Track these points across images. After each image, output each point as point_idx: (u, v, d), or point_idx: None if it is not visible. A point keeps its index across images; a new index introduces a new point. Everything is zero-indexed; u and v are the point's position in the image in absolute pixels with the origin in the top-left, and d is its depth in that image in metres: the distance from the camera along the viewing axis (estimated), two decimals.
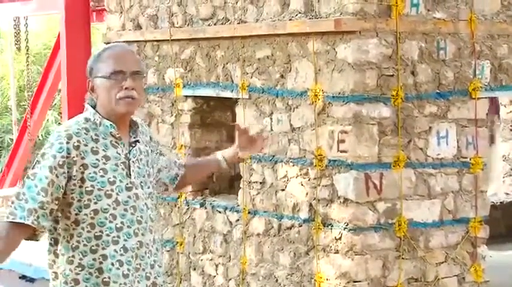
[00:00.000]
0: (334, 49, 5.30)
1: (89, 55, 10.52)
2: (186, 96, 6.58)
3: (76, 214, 3.01)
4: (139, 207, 3.10)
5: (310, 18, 5.46)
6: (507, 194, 9.11)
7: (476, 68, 5.63)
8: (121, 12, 7.26)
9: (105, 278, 3.03)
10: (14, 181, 11.65)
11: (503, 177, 9.20)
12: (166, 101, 6.78)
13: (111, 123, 3.08)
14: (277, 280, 5.78)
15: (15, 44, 11.56)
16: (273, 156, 5.77)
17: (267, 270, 5.85)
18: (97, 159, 3.03)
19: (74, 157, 3.00)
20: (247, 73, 5.95)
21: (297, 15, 5.56)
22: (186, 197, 6.56)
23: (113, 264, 3.03)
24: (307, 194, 5.52)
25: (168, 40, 6.58)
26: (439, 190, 5.50)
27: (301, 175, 5.56)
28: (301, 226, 5.58)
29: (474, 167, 5.62)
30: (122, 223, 3.05)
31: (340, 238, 5.30)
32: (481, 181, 5.66)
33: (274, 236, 5.80)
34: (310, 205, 5.50)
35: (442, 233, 5.52)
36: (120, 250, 3.04)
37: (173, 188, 3.46)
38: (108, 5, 7.44)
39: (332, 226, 5.34)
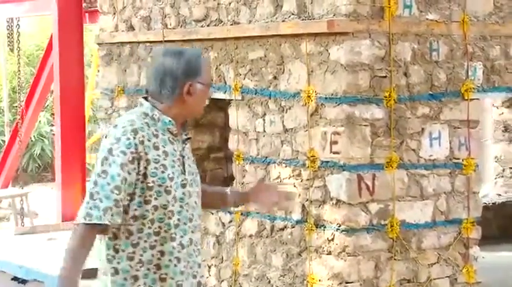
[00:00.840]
0: (327, 50, 5.30)
1: (82, 56, 10.54)
2: None
3: (135, 210, 3.00)
4: (191, 204, 3.13)
5: (303, 20, 5.47)
6: (499, 195, 9.13)
7: (469, 70, 5.64)
8: (114, 14, 7.26)
9: (162, 274, 3.03)
10: (6, 182, 11.62)
11: (495, 178, 9.23)
12: None
13: (170, 119, 3.09)
14: (269, 281, 5.78)
15: (8, 45, 11.54)
16: (266, 157, 5.77)
17: (260, 271, 5.85)
18: (158, 155, 3.03)
19: (140, 152, 3.00)
20: (240, 74, 5.96)
21: (289, 16, 5.56)
22: None
23: (170, 260, 3.04)
24: (299, 195, 5.52)
25: (161, 41, 6.57)
26: (431, 191, 5.51)
27: (293, 176, 5.56)
28: (293, 227, 5.59)
29: (466, 168, 5.63)
30: (178, 219, 3.06)
31: (332, 239, 5.30)
32: (473, 182, 5.68)
33: (266, 237, 5.80)
34: (303, 206, 5.50)
35: (435, 234, 5.53)
36: (178, 247, 3.05)
37: None
38: (101, 6, 7.43)
39: (324, 227, 5.34)
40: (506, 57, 5.82)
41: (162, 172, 3.02)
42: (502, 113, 9.06)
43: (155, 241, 3.02)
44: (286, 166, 5.61)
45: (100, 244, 3.09)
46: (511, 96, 6.19)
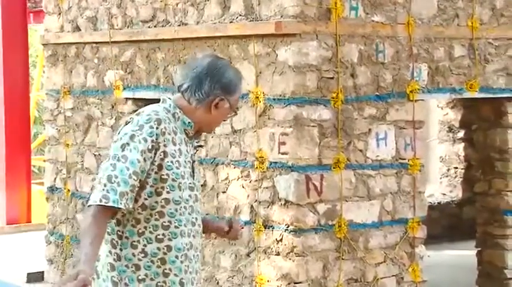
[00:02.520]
0: (275, 52, 5.32)
1: (27, 57, 10.40)
2: (127, 99, 6.54)
3: (145, 199, 2.99)
4: (195, 209, 3.11)
5: (250, 21, 5.48)
6: (444, 194, 9.27)
7: (414, 71, 5.72)
8: (59, 14, 7.17)
9: (166, 269, 3.01)
10: None
11: (440, 178, 9.37)
12: (106, 103, 6.72)
13: (190, 121, 3.09)
14: (218, 283, 5.77)
15: None
16: (214, 158, 5.77)
17: (208, 273, 5.84)
18: (175, 150, 3.03)
19: (160, 143, 2.99)
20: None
21: (237, 17, 5.57)
22: None
23: (177, 257, 3.02)
24: (248, 196, 5.53)
25: (107, 42, 6.52)
26: (378, 191, 5.57)
27: (242, 177, 5.57)
28: (242, 228, 5.58)
29: (412, 168, 5.70)
30: (182, 219, 3.05)
31: (281, 240, 5.32)
32: (418, 182, 5.75)
33: (215, 238, 5.79)
34: (252, 207, 5.51)
35: (381, 233, 5.59)
36: (186, 245, 3.04)
37: None
38: (45, 7, 7.34)
39: (273, 227, 5.36)
40: (450, 59, 5.92)
41: (177, 168, 3.02)
42: (447, 114, 9.20)
43: (163, 234, 3.00)
44: (234, 167, 5.61)
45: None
46: (455, 97, 6.28)
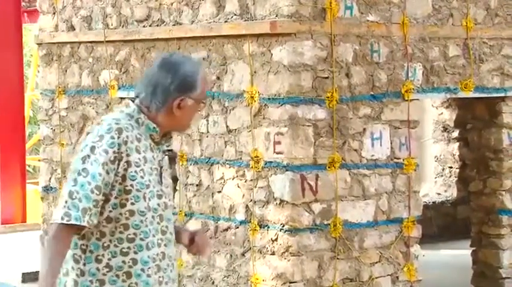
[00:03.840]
0: (270, 51, 5.32)
1: (21, 56, 10.38)
2: (122, 98, 6.53)
3: (110, 211, 2.89)
4: (166, 217, 3.00)
5: (245, 21, 5.48)
6: (439, 194, 9.29)
7: (409, 71, 5.72)
8: (54, 13, 7.16)
9: (131, 283, 2.91)
10: None
11: (435, 177, 9.38)
12: (101, 103, 6.71)
13: (155, 126, 2.98)
14: (213, 282, 5.77)
15: None
16: (209, 158, 5.77)
17: (204, 272, 5.84)
18: (139, 158, 2.92)
19: (122, 153, 2.88)
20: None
21: (232, 17, 5.57)
22: None
23: (143, 270, 2.91)
24: (243, 195, 5.53)
25: (102, 42, 6.51)
26: (373, 190, 5.57)
27: (237, 176, 5.57)
28: (237, 227, 5.59)
29: (407, 168, 5.71)
30: (149, 229, 2.94)
31: (276, 239, 5.32)
32: (413, 182, 5.76)
33: (210, 238, 5.79)
34: (247, 206, 5.51)
35: (377, 233, 5.60)
36: (152, 257, 2.93)
37: None
38: (40, 6, 7.33)
39: (268, 227, 5.36)
40: (445, 59, 5.92)
41: (141, 177, 2.91)
42: (442, 114, 9.21)
43: (128, 247, 2.90)
44: (230, 167, 5.61)
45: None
46: (450, 96, 6.29)
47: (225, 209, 5.67)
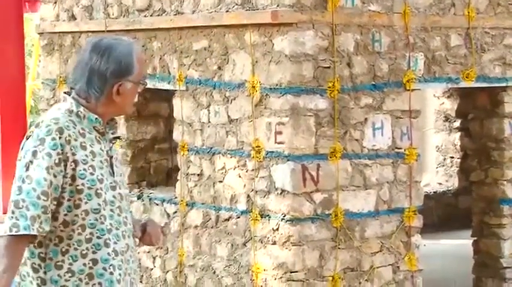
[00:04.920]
0: (271, 41, 5.31)
1: (22, 46, 10.37)
2: None
3: (65, 215, 2.79)
4: (123, 207, 2.92)
5: (247, 10, 5.47)
6: (440, 184, 9.29)
7: (410, 60, 5.71)
8: (55, 3, 7.15)
9: (94, 284, 2.82)
10: None
11: (437, 167, 9.38)
12: None
13: (97, 117, 2.87)
14: (214, 272, 5.78)
15: None
16: (211, 148, 5.77)
17: (205, 262, 5.85)
18: (86, 155, 2.81)
19: (66, 153, 2.77)
20: (184, 65, 5.93)
21: (233, 6, 5.56)
22: None
23: (105, 269, 2.82)
24: (244, 185, 5.53)
25: (103, 31, 6.50)
26: (374, 180, 5.57)
27: (238, 166, 5.57)
28: (238, 217, 5.60)
29: (408, 158, 5.71)
30: (110, 224, 2.85)
31: (277, 229, 5.33)
32: (415, 171, 5.76)
33: (211, 228, 5.80)
34: (248, 196, 5.51)
35: (378, 223, 5.60)
36: (112, 253, 2.84)
37: None
38: None
39: (269, 217, 5.36)
40: (447, 48, 5.91)
41: (91, 174, 2.81)
42: (443, 103, 9.20)
43: (87, 248, 2.80)
44: (231, 157, 5.61)
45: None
46: (452, 86, 6.28)
47: (226, 199, 5.67)
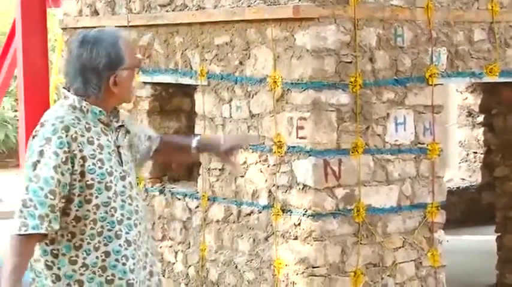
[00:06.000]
0: (293, 36, 5.30)
1: (46, 41, 10.43)
2: (145, 83, 6.54)
3: (76, 210, 2.82)
4: (133, 196, 2.94)
5: (268, 5, 5.46)
6: (463, 179, 9.24)
7: (433, 55, 5.68)
8: None
9: (108, 276, 2.85)
10: None
11: (459, 163, 9.32)
12: None
13: (101, 109, 2.90)
14: (236, 267, 5.79)
15: None
16: None
17: (227, 257, 5.86)
18: (93, 149, 2.84)
19: (74, 150, 2.80)
20: (206, 60, 5.93)
21: (255, 1, 5.55)
22: (145, 185, 6.54)
23: (117, 260, 2.86)
24: (266, 180, 5.53)
25: (125, 26, 6.52)
26: (396, 175, 5.55)
27: (260, 161, 5.57)
28: (260, 212, 5.60)
29: (431, 153, 5.68)
30: (122, 214, 2.88)
31: (299, 224, 5.32)
32: (437, 167, 5.73)
33: (233, 222, 5.81)
34: (270, 191, 5.51)
35: (400, 218, 5.58)
36: (124, 244, 2.87)
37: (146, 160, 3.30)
38: None
39: (291, 212, 5.36)
40: (470, 43, 5.87)
41: (100, 168, 2.84)
42: (466, 98, 9.14)
43: (98, 241, 2.84)
44: (252, 151, 5.61)
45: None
46: (475, 81, 6.23)
47: (247, 194, 5.68)
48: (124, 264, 2.88)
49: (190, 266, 6.22)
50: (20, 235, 2.74)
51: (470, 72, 5.90)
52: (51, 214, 2.76)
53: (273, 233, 5.48)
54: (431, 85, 5.66)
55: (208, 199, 5.98)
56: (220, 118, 5.86)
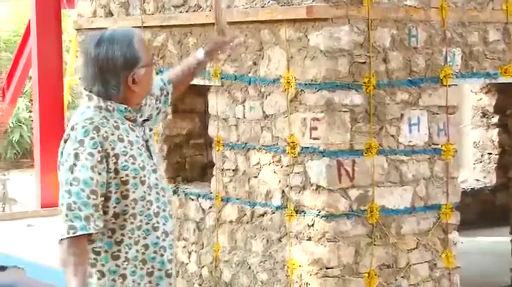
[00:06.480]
0: (306, 36, 5.30)
1: (60, 42, 10.48)
2: None
3: (114, 207, 2.89)
4: (165, 187, 3.04)
5: (282, 6, 5.45)
6: (477, 180, 9.19)
7: (447, 56, 5.66)
8: None
9: (148, 268, 2.95)
10: None
11: (474, 164, 9.28)
12: None
13: (125, 107, 2.96)
14: (250, 267, 5.79)
15: None
16: (246, 143, 5.77)
17: (240, 257, 5.86)
18: (124, 146, 2.92)
19: (106, 149, 2.87)
20: (220, 60, 5.93)
21: (268, 2, 5.55)
22: None
23: (155, 252, 2.95)
24: (279, 181, 5.52)
25: (140, 27, 6.54)
26: (410, 176, 5.53)
27: (273, 162, 5.56)
28: (273, 213, 5.59)
29: (445, 154, 5.66)
30: (157, 207, 2.97)
31: (312, 225, 5.32)
32: (452, 168, 5.71)
33: (247, 223, 5.81)
34: (283, 192, 5.51)
35: (414, 219, 5.56)
36: (161, 235, 2.96)
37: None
38: None
39: (305, 213, 5.36)
40: (485, 43, 5.85)
41: (133, 163, 2.91)
42: (481, 99, 9.10)
43: (138, 235, 2.92)
44: (266, 152, 5.61)
45: None
46: (489, 82, 6.20)
47: (261, 195, 5.67)
48: (162, 255, 2.97)
49: (203, 266, 6.22)
50: (69, 238, 2.82)
51: (485, 73, 5.87)
52: (95, 213, 2.85)
53: (287, 234, 5.48)
54: (446, 86, 5.64)
55: (222, 200, 5.98)
56: (234, 119, 5.86)
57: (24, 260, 6.76)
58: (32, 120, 12.96)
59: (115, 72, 2.92)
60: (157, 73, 6.51)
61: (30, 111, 14.53)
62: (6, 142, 15.49)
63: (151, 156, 3.01)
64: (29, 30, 10.85)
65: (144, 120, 3.07)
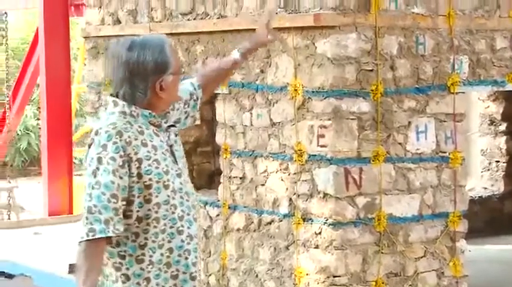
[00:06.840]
0: (314, 44, 5.30)
1: (68, 50, 10.50)
2: None
3: (137, 211, 2.91)
4: (189, 192, 3.04)
5: (289, 13, 5.46)
6: (485, 188, 9.17)
7: (455, 63, 5.66)
8: (100, 7, 7.22)
9: (173, 271, 2.96)
10: None
11: (482, 171, 9.26)
12: None
13: (150, 112, 2.98)
14: (257, 275, 5.78)
15: None
16: (253, 151, 5.77)
17: (247, 265, 5.85)
18: (148, 151, 2.93)
19: (129, 154, 2.89)
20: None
21: (276, 9, 5.55)
22: None
23: (180, 255, 2.97)
24: (287, 189, 5.52)
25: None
26: (418, 184, 5.52)
27: (281, 169, 5.56)
28: (281, 221, 5.59)
29: (453, 162, 5.65)
30: (182, 211, 2.98)
31: (320, 233, 5.31)
32: (459, 176, 5.69)
33: (254, 231, 5.80)
34: (290, 199, 5.51)
35: (422, 227, 5.55)
36: (186, 239, 2.98)
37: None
38: (87, 0, 7.40)
39: (312, 220, 5.35)
40: (492, 51, 5.84)
41: (156, 167, 2.93)
42: (488, 107, 9.08)
43: (162, 239, 2.94)
44: (273, 160, 5.61)
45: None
46: (497, 89, 6.20)
47: (268, 202, 5.67)
48: (186, 258, 2.98)
49: (211, 274, 6.22)
50: (88, 240, 2.84)
51: (493, 81, 5.86)
52: (115, 217, 2.86)
53: (294, 241, 5.47)
54: (453, 93, 5.64)
55: (229, 208, 5.98)
56: (241, 126, 5.86)
57: (32, 269, 6.77)
58: (39, 128, 12.99)
59: (144, 76, 2.96)
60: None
61: (38, 119, 14.56)
62: (14, 150, 15.53)
63: (176, 161, 3.03)
64: (37, 38, 10.89)
65: (170, 126, 3.09)
